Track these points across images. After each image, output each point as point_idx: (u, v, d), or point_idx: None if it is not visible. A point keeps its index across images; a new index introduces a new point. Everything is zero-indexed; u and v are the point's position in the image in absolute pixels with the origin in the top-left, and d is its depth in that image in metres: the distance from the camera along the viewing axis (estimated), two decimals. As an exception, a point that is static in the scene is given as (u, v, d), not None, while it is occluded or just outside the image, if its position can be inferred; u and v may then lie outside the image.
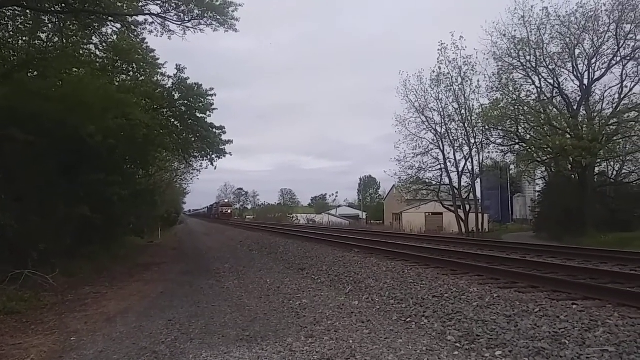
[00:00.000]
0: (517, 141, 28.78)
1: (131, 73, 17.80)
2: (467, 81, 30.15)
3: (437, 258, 10.78)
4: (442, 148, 31.90)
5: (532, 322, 5.09)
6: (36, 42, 14.40)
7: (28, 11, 13.18)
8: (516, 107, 26.60)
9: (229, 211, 73.13)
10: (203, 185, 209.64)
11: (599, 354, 4.12)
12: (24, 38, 14.32)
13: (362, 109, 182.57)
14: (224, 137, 18.58)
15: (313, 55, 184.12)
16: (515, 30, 26.38)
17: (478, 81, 30.11)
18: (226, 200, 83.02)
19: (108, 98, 12.37)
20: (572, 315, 5.17)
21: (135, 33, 15.31)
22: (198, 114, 17.83)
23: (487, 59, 27.92)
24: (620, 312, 5.34)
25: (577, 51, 25.53)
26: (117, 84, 16.21)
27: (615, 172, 30.15)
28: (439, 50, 30.11)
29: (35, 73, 13.10)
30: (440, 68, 30.43)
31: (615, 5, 23.87)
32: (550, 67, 26.28)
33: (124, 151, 14.40)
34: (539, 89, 27.27)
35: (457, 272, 8.94)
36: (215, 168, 19.72)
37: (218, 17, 13.39)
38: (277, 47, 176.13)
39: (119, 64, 17.00)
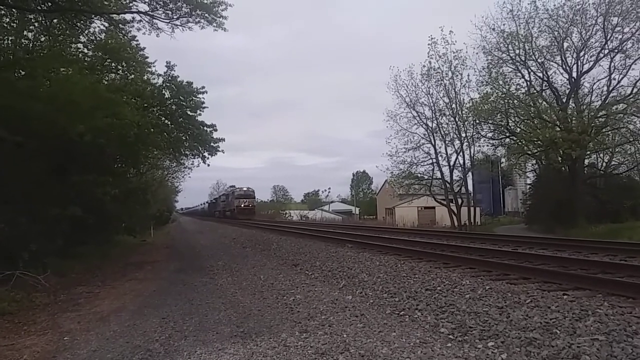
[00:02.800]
0: (507, 134, 28.99)
1: (120, 72, 17.67)
2: (457, 75, 30.33)
3: (429, 252, 10.84)
4: (433, 142, 32.12)
5: (523, 313, 5.14)
6: (23, 41, 14.24)
7: (14, 10, 13.02)
8: (506, 100, 26.77)
9: (251, 205, 48.33)
10: (195, 184, 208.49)
11: (590, 343, 4.16)
12: (10, 37, 14.16)
13: (353, 104, 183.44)
14: (215, 135, 18.56)
15: (304, 51, 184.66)
16: (504, 24, 26.57)
17: (468, 75, 30.62)
18: (245, 188, 49.49)
19: (97, 97, 12.25)
20: (562, 306, 5.23)
21: (124, 31, 15.22)
22: (189, 112, 17.75)
23: (477, 53, 28.15)
24: (610, 301, 5.42)
25: (565, 44, 25.77)
26: (106, 82, 16.08)
27: (604, 164, 30.52)
28: (429, 44, 30.21)
29: (23, 73, 12.94)
30: (430, 62, 30.57)
31: (602, -1, 24.02)
32: (539, 60, 26.44)
33: (114, 150, 14.28)
34: (528, 82, 27.47)
35: (449, 265, 9.00)
36: (208, 165, 19.71)
37: (206, 15, 13.34)
38: (269, 44, 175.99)
39: (108, 63, 16.87)
